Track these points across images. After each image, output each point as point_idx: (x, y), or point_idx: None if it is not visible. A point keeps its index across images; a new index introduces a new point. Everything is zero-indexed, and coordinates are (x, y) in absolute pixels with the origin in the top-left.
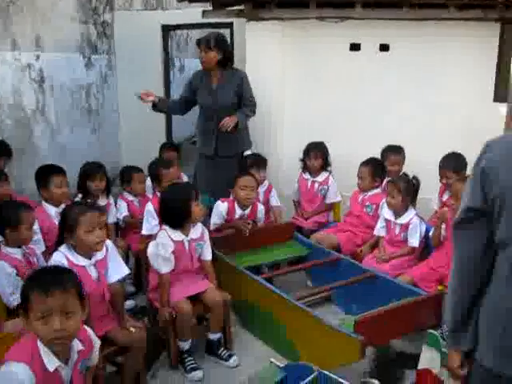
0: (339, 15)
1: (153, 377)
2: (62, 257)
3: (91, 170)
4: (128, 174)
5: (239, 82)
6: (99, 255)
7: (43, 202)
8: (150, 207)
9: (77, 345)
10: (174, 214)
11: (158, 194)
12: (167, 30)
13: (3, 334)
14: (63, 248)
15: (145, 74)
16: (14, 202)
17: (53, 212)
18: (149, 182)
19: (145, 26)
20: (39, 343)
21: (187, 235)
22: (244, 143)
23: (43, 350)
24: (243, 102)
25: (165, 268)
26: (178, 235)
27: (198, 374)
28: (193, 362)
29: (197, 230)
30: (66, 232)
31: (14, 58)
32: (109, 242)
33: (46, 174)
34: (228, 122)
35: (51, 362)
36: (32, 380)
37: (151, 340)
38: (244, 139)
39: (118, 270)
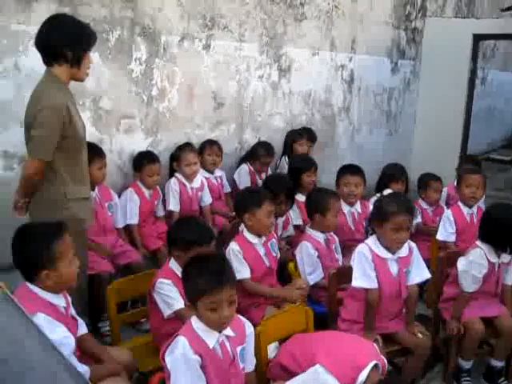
0: None
1: None
2: (366, 249)
3: (395, 172)
4: (425, 181)
5: None
6: (403, 252)
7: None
8: (448, 215)
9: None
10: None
11: (460, 204)
12: (478, 39)
13: None
14: (370, 239)
15: (448, 83)
16: (326, 190)
17: (346, 210)
18: (444, 192)
19: (455, 33)
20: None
21: (499, 257)
22: None
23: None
24: None
25: (471, 288)
26: (493, 256)
27: None
28: (470, 382)
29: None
30: (375, 222)
31: (331, 59)
32: (413, 244)
33: (344, 173)
34: None
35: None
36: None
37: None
38: None
39: (421, 272)
